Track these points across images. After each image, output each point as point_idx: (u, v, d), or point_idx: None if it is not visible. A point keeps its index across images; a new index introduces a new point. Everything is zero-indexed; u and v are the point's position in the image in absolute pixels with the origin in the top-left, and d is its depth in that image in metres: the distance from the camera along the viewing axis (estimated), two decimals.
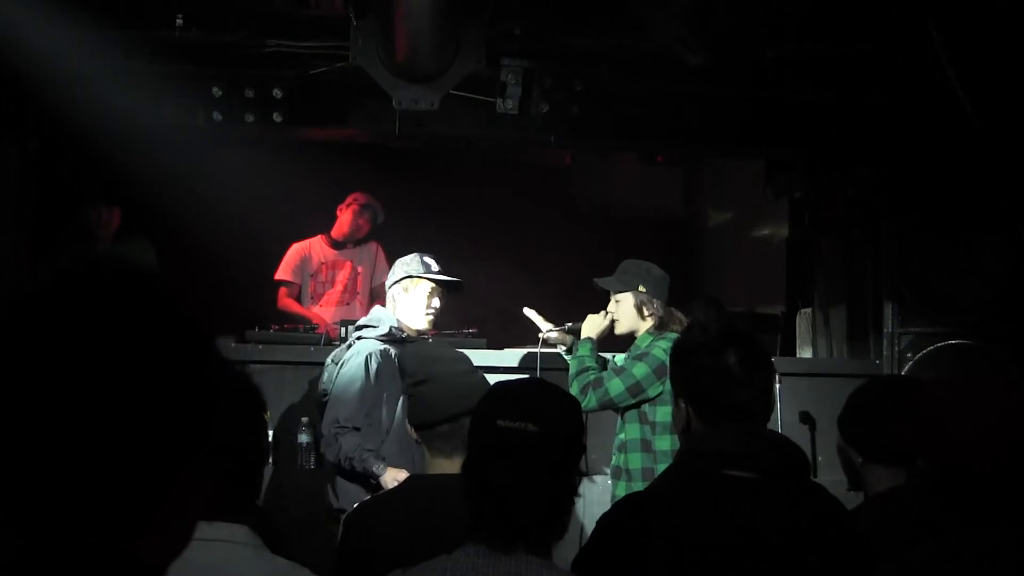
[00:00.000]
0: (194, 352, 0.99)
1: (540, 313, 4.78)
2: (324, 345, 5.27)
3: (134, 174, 5.70)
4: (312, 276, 6.37)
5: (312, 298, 6.36)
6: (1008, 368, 5.21)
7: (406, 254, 4.73)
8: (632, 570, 2.13)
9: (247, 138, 5.60)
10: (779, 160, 6.14)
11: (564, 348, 4.71)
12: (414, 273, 4.61)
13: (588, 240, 7.45)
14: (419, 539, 2.17)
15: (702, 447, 2.25)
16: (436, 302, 4.63)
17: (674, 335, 4.40)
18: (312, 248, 6.40)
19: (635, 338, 4.57)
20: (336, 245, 6.40)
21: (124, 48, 4.86)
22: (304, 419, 5.02)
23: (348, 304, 6.33)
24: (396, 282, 4.64)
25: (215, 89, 5.19)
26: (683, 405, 2.32)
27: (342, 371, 4.45)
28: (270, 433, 4.95)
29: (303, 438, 5.01)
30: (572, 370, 4.47)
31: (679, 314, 4.59)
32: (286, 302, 6.30)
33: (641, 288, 4.52)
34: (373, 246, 6.46)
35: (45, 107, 5.04)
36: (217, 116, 5.24)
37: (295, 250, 6.40)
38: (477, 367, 2.88)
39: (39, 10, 4.46)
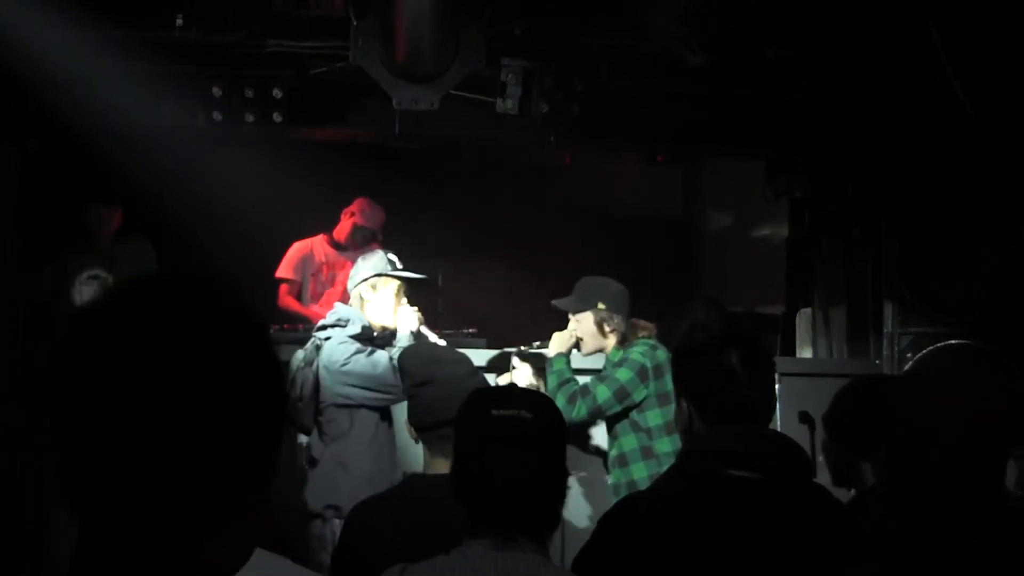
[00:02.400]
0: (271, 371, 1.02)
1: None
2: None
3: (134, 174, 5.70)
4: (313, 275, 6.37)
5: (312, 297, 6.36)
6: (1008, 368, 5.21)
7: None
8: (634, 570, 2.13)
9: (247, 138, 5.60)
10: (779, 160, 6.14)
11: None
12: (383, 271, 4.57)
13: (588, 240, 7.45)
14: (418, 538, 2.17)
15: (704, 447, 2.25)
16: (403, 299, 4.61)
17: (647, 341, 4.43)
18: (314, 247, 6.39)
19: (605, 356, 4.57)
20: (337, 246, 6.40)
21: (124, 48, 4.86)
22: None
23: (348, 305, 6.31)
24: (364, 280, 4.58)
25: (215, 89, 5.19)
26: (685, 405, 2.33)
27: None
28: None
29: (303, 438, 5.01)
30: (552, 384, 4.37)
31: (643, 322, 4.56)
32: (286, 300, 6.30)
33: (600, 305, 4.48)
34: (375, 251, 6.45)
35: (45, 107, 5.04)
36: (217, 116, 5.24)
37: (296, 248, 6.39)
38: (477, 367, 2.89)
39: (39, 10, 4.46)
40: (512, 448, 1.94)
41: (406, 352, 2.97)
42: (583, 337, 4.52)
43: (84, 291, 5.77)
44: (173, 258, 6.11)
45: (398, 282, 4.59)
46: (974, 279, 5.32)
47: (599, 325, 4.48)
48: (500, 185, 7.69)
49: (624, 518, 2.24)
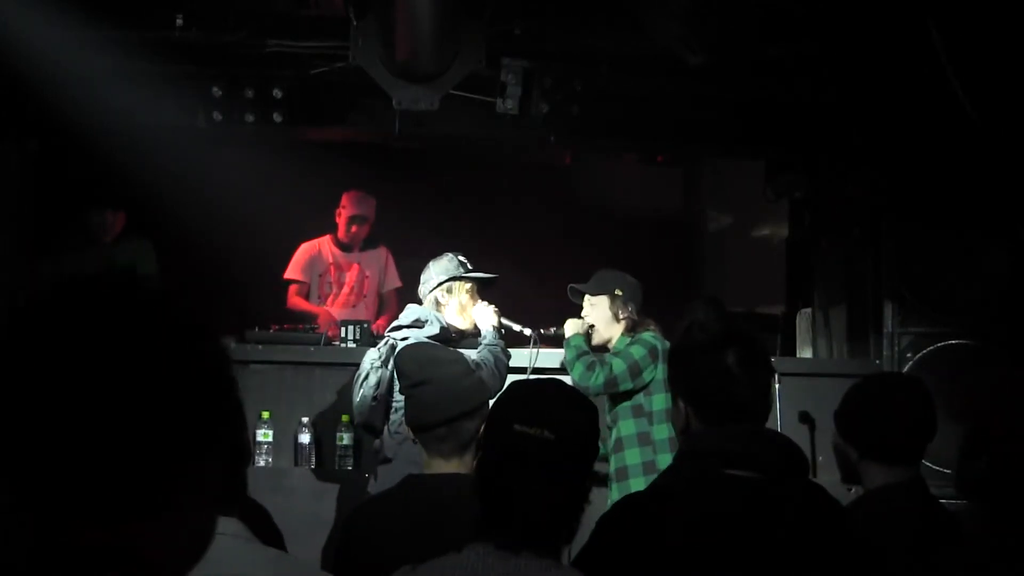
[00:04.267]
0: (203, 353, 1.02)
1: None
2: (324, 345, 5.27)
3: (134, 174, 5.71)
4: (320, 276, 6.37)
5: (320, 298, 6.36)
6: (1008, 368, 5.20)
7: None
8: (633, 570, 2.13)
9: (247, 138, 5.60)
10: (779, 160, 6.14)
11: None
12: (459, 274, 4.57)
13: (588, 240, 7.45)
14: (418, 538, 2.18)
15: (702, 446, 2.24)
16: (477, 299, 4.63)
17: (652, 333, 4.51)
18: (321, 247, 6.40)
19: (608, 349, 4.62)
20: (343, 247, 6.40)
21: (124, 48, 4.87)
22: (304, 419, 5.03)
23: (355, 307, 6.32)
24: (440, 284, 4.56)
25: (215, 89, 5.19)
26: (682, 405, 2.32)
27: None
28: (270, 433, 4.97)
29: (303, 438, 5.02)
30: (570, 356, 4.51)
31: (650, 320, 4.65)
32: (295, 300, 6.31)
33: (617, 292, 4.60)
34: (383, 252, 6.45)
35: (45, 107, 5.05)
36: (217, 116, 5.25)
37: (304, 249, 6.40)
38: (472, 368, 2.88)
39: (39, 10, 4.46)
40: (527, 466, 1.92)
41: (403, 352, 2.96)
42: (595, 322, 4.62)
43: None
44: (172, 258, 6.11)
45: (471, 284, 4.61)
46: (974, 279, 5.31)
47: (613, 311, 4.59)
48: (500, 185, 7.69)
49: (622, 519, 2.23)
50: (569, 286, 4.72)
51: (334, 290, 6.38)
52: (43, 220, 5.62)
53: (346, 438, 4.98)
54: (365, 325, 5.41)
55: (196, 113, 5.31)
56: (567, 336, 4.61)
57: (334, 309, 6.28)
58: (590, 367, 4.41)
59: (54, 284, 1.00)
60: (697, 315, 5.69)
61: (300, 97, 5.28)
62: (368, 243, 6.43)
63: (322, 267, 6.37)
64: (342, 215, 6.35)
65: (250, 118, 5.26)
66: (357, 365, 5.07)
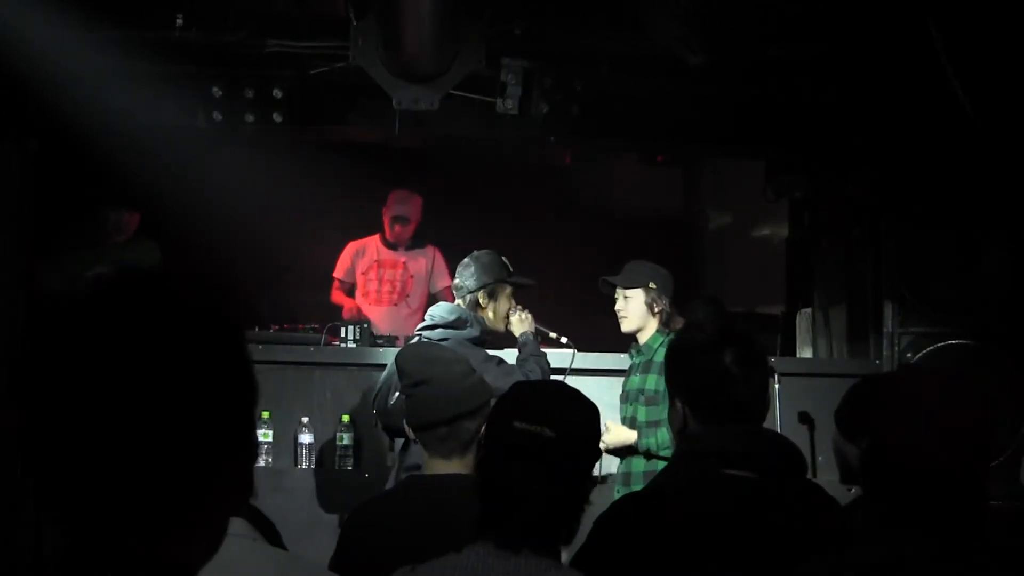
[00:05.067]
0: (234, 357, 1.02)
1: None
2: (324, 345, 5.27)
3: (134, 174, 5.70)
4: (364, 274, 6.38)
5: (363, 296, 6.38)
6: (1009, 368, 5.21)
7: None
8: (631, 570, 2.13)
9: (247, 138, 5.60)
10: (779, 160, 6.14)
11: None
12: (504, 278, 4.53)
13: (588, 240, 7.45)
14: (418, 538, 2.18)
15: (700, 446, 2.25)
16: (513, 303, 4.60)
17: None
18: (367, 245, 6.42)
19: (636, 339, 4.60)
20: (390, 245, 6.40)
21: (124, 48, 4.87)
22: (304, 419, 5.03)
23: (396, 305, 6.33)
24: (483, 286, 4.48)
25: (215, 89, 5.19)
26: (679, 405, 2.32)
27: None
28: (270, 433, 4.97)
29: (303, 438, 5.02)
30: (666, 436, 4.38)
31: (680, 317, 4.65)
32: (336, 296, 6.37)
33: (652, 285, 4.57)
34: (430, 251, 6.45)
35: (45, 107, 5.04)
36: (217, 116, 5.25)
37: (349, 248, 6.44)
38: (473, 368, 2.87)
39: (39, 10, 4.46)
40: (528, 464, 1.92)
41: (404, 351, 2.96)
42: (629, 315, 4.59)
43: None
44: (172, 258, 6.11)
45: (511, 287, 4.58)
46: (974, 279, 5.31)
47: (649, 305, 4.56)
48: (500, 185, 7.69)
49: (621, 518, 2.24)
50: (601, 279, 4.68)
51: (375, 287, 6.37)
52: (43, 220, 5.61)
53: (346, 438, 4.98)
54: (365, 325, 5.41)
55: (196, 113, 5.31)
56: (636, 443, 4.45)
57: (376, 307, 6.28)
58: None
59: (85, 284, 1.00)
60: (697, 315, 5.69)
61: (300, 97, 5.28)
62: (415, 242, 6.42)
63: (365, 265, 6.37)
64: (386, 214, 6.35)
65: (250, 118, 5.26)
66: (357, 365, 5.09)
